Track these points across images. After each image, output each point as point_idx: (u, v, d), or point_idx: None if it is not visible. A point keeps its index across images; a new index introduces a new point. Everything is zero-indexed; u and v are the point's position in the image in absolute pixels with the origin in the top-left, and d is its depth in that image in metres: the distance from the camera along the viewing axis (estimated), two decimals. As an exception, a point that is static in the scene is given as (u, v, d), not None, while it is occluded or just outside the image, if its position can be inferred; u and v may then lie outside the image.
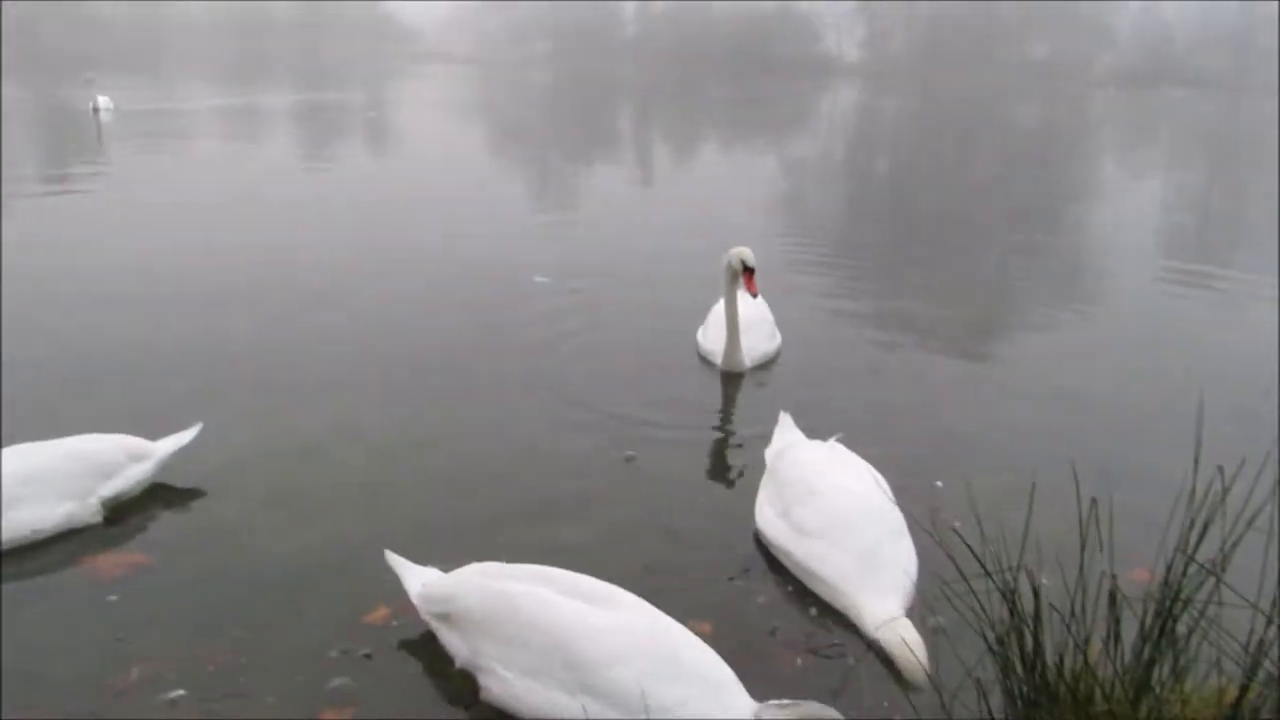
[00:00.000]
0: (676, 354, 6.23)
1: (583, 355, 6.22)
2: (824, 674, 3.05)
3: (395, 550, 3.32)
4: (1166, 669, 2.13)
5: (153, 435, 4.16)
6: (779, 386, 5.83)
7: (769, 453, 4.25)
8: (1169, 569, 2.07)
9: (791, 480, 3.79)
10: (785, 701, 2.66)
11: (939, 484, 4.41)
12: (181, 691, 2.85)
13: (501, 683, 2.80)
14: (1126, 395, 5.98)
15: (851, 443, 4.24)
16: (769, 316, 6.26)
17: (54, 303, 6.92)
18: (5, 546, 3.56)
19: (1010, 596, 2.12)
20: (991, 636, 2.17)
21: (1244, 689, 2.07)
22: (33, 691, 2.85)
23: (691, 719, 2.63)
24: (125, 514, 3.93)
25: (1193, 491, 2.12)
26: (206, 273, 7.97)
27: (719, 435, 5.17)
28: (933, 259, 10.39)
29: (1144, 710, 2.07)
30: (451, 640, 2.99)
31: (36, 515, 3.67)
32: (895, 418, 5.32)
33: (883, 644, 3.10)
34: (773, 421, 4.53)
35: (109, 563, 3.59)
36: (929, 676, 2.89)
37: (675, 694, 2.65)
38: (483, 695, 2.86)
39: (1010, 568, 2.16)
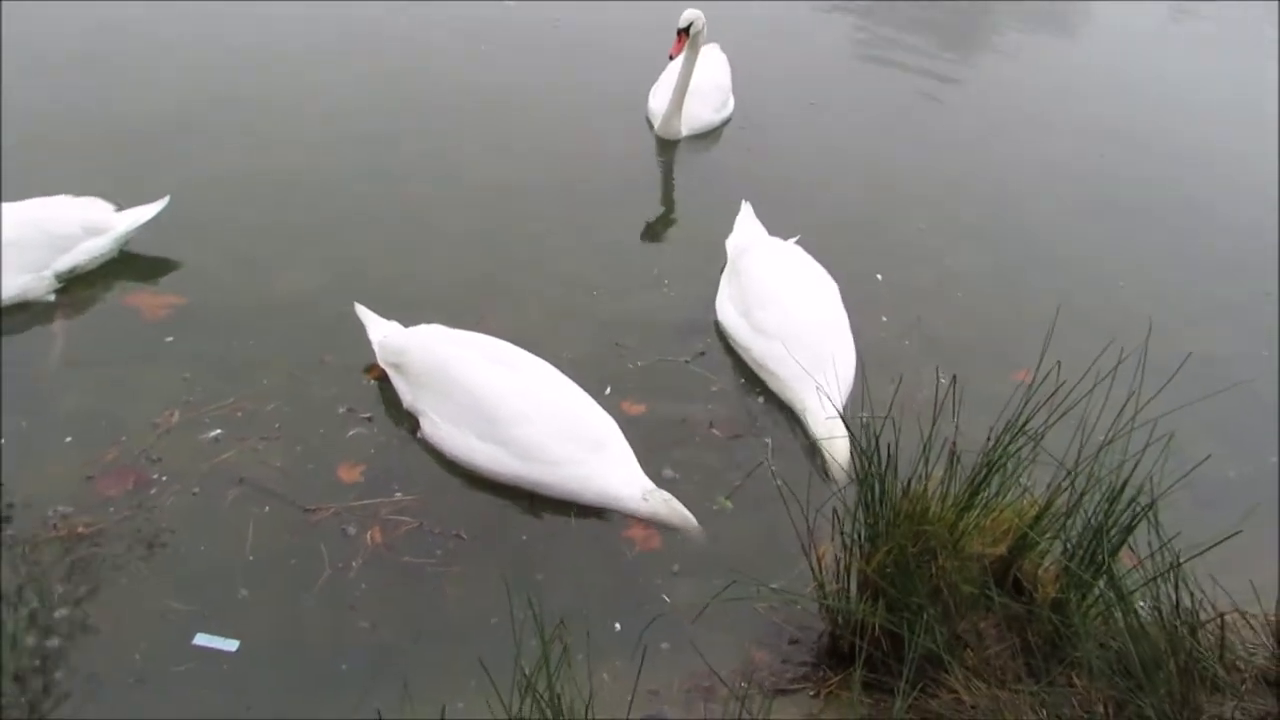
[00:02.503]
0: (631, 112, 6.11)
1: (533, 105, 6.06)
2: (739, 459, 3.67)
3: (368, 300, 3.85)
4: (991, 493, 2.77)
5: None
6: (717, 159, 5.83)
7: (730, 244, 4.61)
8: (997, 437, 2.63)
9: (754, 284, 4.21)
10: (667, 495, 3.33)
11: (879, 277, 4.85)
12: (220, 431, 3.45)
13: (433, 425, 3.50)
14: (1084, 166, 6.24)
15: (790, 226, 4.63)
16: (725, 84, 6.04)
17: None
18: None
19: (872, 439, 2.68)
20: (860, 464, 2.77)
21: (1037, 516, 2.74)
22: (96, 430, 3.41)
23: (584, 473, 3.33)
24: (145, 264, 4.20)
25: (1036, 374, 2.63)
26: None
27: (661, 209, 5.39)
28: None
29: (961, 526, 2.72)
30: (400, 386, 3.65)
31: None
32: (840, 200, 5.55)
33: (820, 444, 3.70)
34: (703, 196, 4.87)
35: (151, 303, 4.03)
36: (848, 472, 3.45)
37: (569, 451, 3.36)
38: (419, 433, 3.55)
39: (879, 414, 2.70)
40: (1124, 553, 2.58)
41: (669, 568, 3.25)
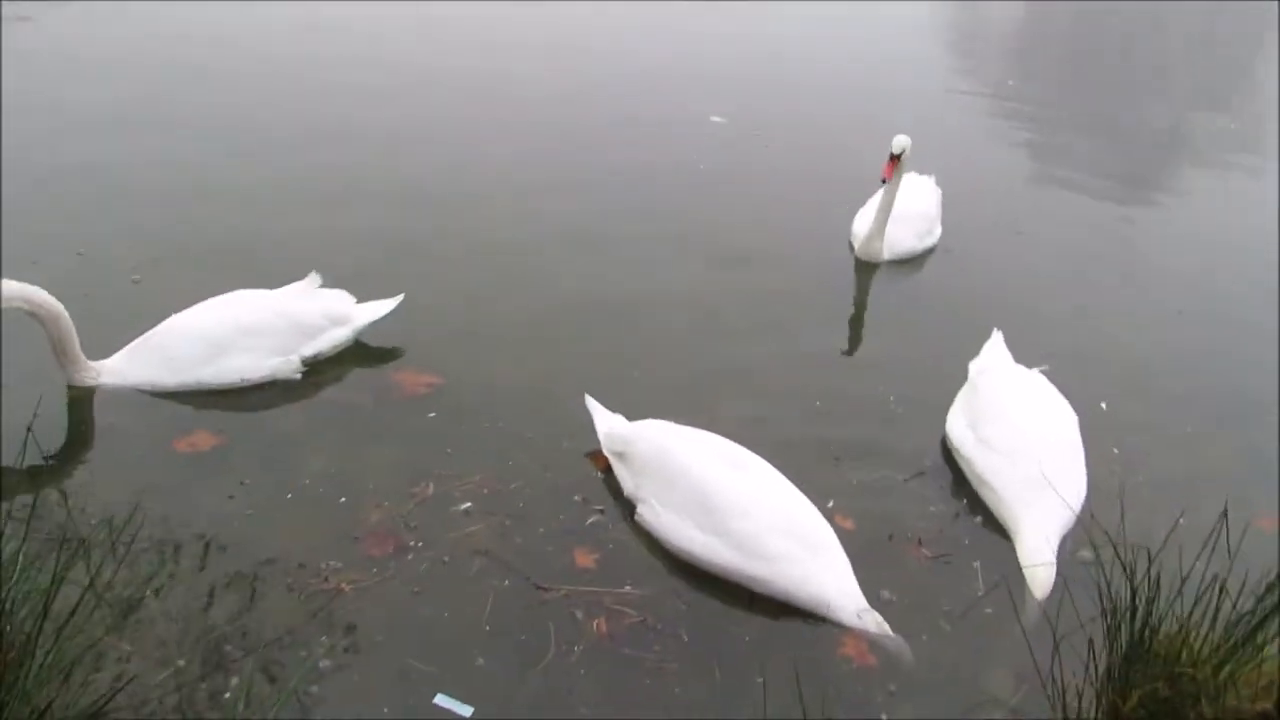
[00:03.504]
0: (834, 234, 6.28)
1: (739, 220, 6.41)
2: (952, 582, 3.60)
3: (592, 393, 4.10)
4: (1256, 646, 2.61)
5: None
6: (919, 284, 5.92)
7: (973, 366, 4.58)
8: (1270, 585, 2.50)
9: (989, 400, 4.18)
10: (880, 619, 3.30)
11: (1104, 405, 4.72)
12: (469, 505, 3.71)
13: (653, 513, 3.62)
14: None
15: (1014, 352, 4.61)
16: (931, 213, 6.13)
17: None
18: (214, 387, 4.15)
19: (1128, 572, 2.60)
20: (1107, 596, 2.69)
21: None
22: (364, 494, 3.74)
23: (799, 574, 3.34)
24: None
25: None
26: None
27: (862, 329, 5.50)
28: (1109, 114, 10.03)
29: (1223, 675, 2.57)
30: (623, 473, 3.81)
31: (248, 365, 4.19)
32: (1051, 327, 5.49)
33: (1024, 570, 3.58)
34: (906, 319, 5.07)
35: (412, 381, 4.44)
36: (1042, 605, 3.36)
37: (786, 548, 3.38)
38: (636, 518, 3.67)
39: (1127, 545, 2.63)
40: None
41: (885, 686, 3.18)
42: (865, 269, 5.96)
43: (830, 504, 3.82)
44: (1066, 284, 6.08)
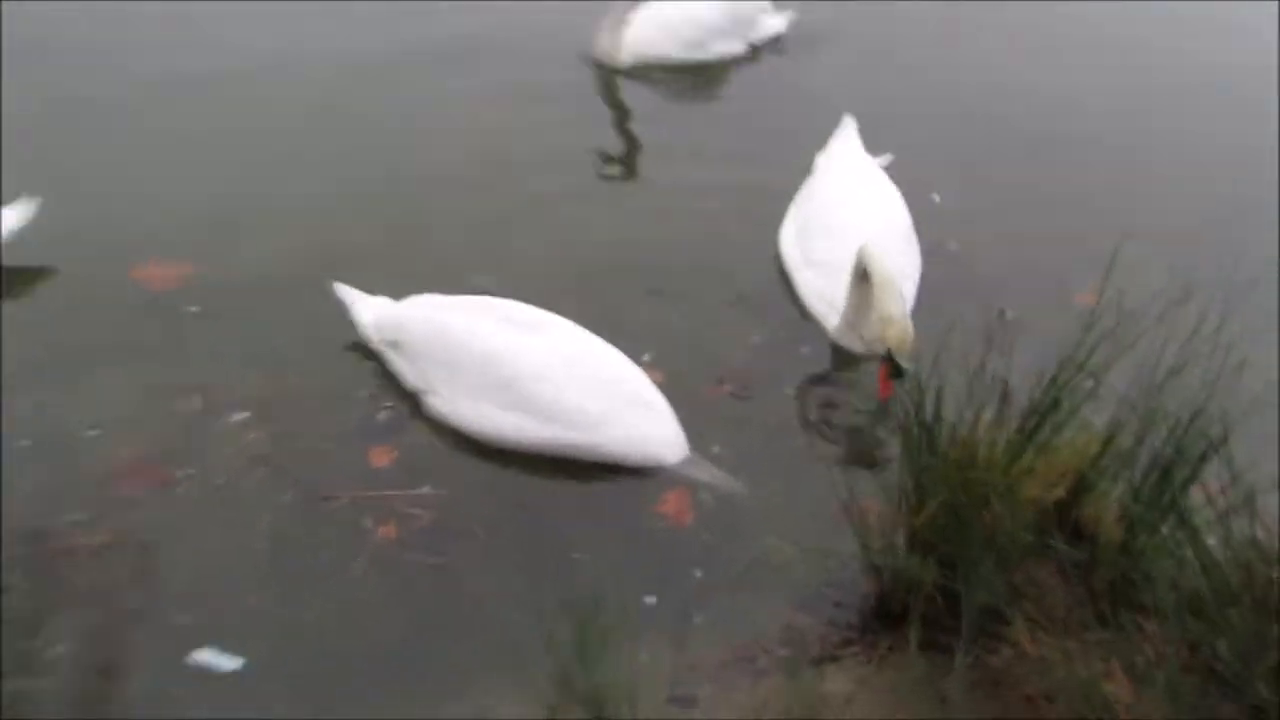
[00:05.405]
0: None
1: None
2: (770, 422, 3.44)
3: (351, 275, 3.55)
4: (1045, 436, 2.56)
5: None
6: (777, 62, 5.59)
7: (819, 159, 4.29)
8: (1052, 375, 2.41)
9: (815, 208, 3.97)
10: (707, 463, 3.15)
11: (935, 198, 4.48)
12: (247, 414, 3.24)
13: (445, 401, 3.25)
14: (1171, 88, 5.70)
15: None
16: (708, 24, 5.43)
17: None
18: None
19: (918, 382, 2.48)
20: (900, 409, 2.58)
21: (1097, 456, 2.54)
22: (112, 421, 3.21)
23: (619, 435, 3.13)
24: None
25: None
26: None
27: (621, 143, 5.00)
28: None
29: (1015, 470, 2.52)
30: (401, 365, 3.37)
31: None
32: (907, 103, 5.19)
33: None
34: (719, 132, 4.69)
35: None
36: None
37: (598, 408, 3.12)
38: (426, 411, 3.29)
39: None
40: (1197, 490, 2.37)
41: (701, 539, 3.05)
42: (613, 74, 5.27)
43: (646, 357, 3.50)
44: (901, 71, 5.61)
